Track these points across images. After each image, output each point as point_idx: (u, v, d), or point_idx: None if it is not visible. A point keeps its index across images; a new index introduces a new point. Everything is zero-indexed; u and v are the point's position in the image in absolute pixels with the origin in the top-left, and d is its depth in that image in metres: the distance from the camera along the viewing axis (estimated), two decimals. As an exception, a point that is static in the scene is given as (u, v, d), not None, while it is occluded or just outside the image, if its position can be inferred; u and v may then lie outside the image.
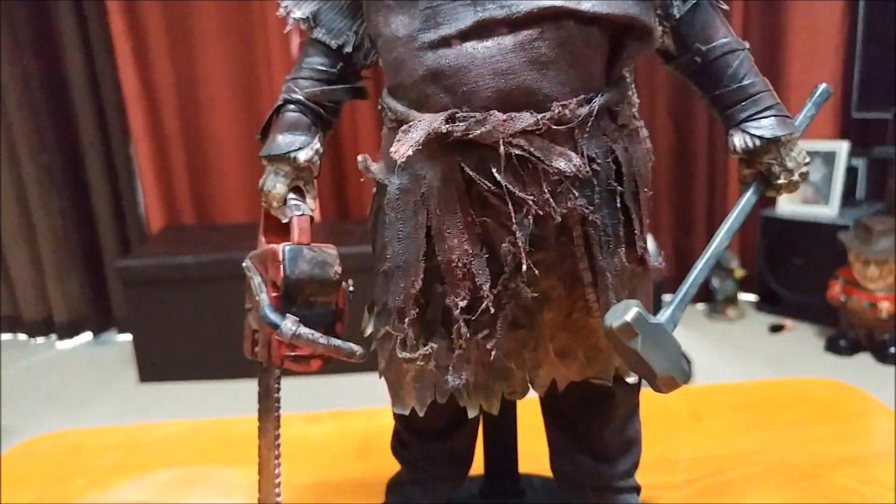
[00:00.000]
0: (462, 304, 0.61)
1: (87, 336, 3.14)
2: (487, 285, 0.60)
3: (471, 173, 0.58)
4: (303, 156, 0.66)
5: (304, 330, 0.59)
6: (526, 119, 0.57)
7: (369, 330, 0.70)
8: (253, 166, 3.08)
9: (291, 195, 0.66)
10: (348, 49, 0.66)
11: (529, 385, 0.68)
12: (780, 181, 0.64)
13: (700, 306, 3.09)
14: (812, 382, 1.08)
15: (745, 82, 0.64)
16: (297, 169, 0.66)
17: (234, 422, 1.06)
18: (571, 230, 0.61)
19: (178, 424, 1.07)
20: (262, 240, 0.68)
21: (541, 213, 0.59)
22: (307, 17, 0.66)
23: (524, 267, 0.59)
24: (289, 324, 0.59)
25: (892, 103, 2.69)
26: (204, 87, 3.03)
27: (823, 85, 0.69)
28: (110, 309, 3.14)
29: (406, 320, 0.63)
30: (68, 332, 3.10)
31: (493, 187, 0.58)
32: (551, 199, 0.58)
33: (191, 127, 3.06)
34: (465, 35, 0.57)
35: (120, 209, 3.06)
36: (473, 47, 0.56)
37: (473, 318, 0.62)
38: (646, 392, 0.69)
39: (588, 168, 0.59)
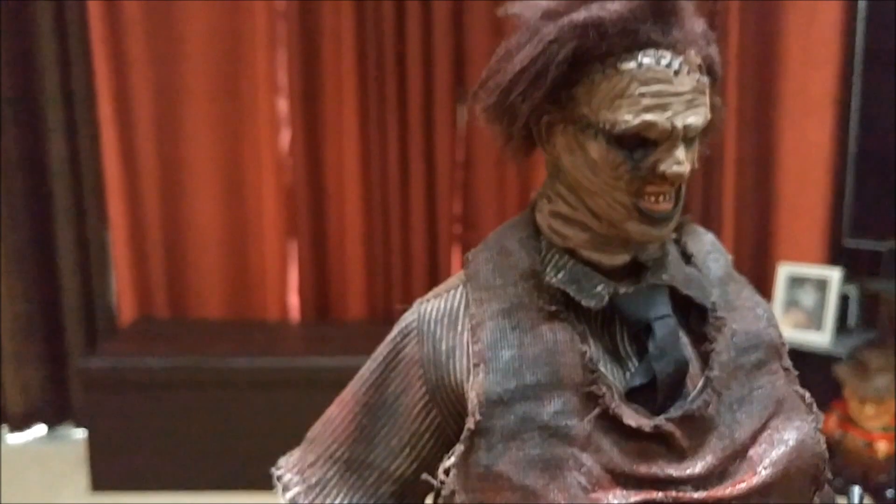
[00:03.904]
0: None
1: (41, 429, 2.95)
2: None
3: None
4: None
5: None
6: None
7: None
8: (233, 259, 2.98)
9: None
10: None
11: None
12: None
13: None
14: None
15: None
16: None
17: None
18: None
19: None
20: None
21: None
22: None
23: None
24: None
25: (891, 236, 2.65)
26: (188, 174, 2.94)
27: (857, 488, 0.85)
28: (69, 401, 2.95)
29: None
30: (20, 423, 2.91)
31: None
32: None
33: (172, 215, 2.96)
34: None
35: (90, 297, 2.92)
36: None
37: None
38: None
39: None
